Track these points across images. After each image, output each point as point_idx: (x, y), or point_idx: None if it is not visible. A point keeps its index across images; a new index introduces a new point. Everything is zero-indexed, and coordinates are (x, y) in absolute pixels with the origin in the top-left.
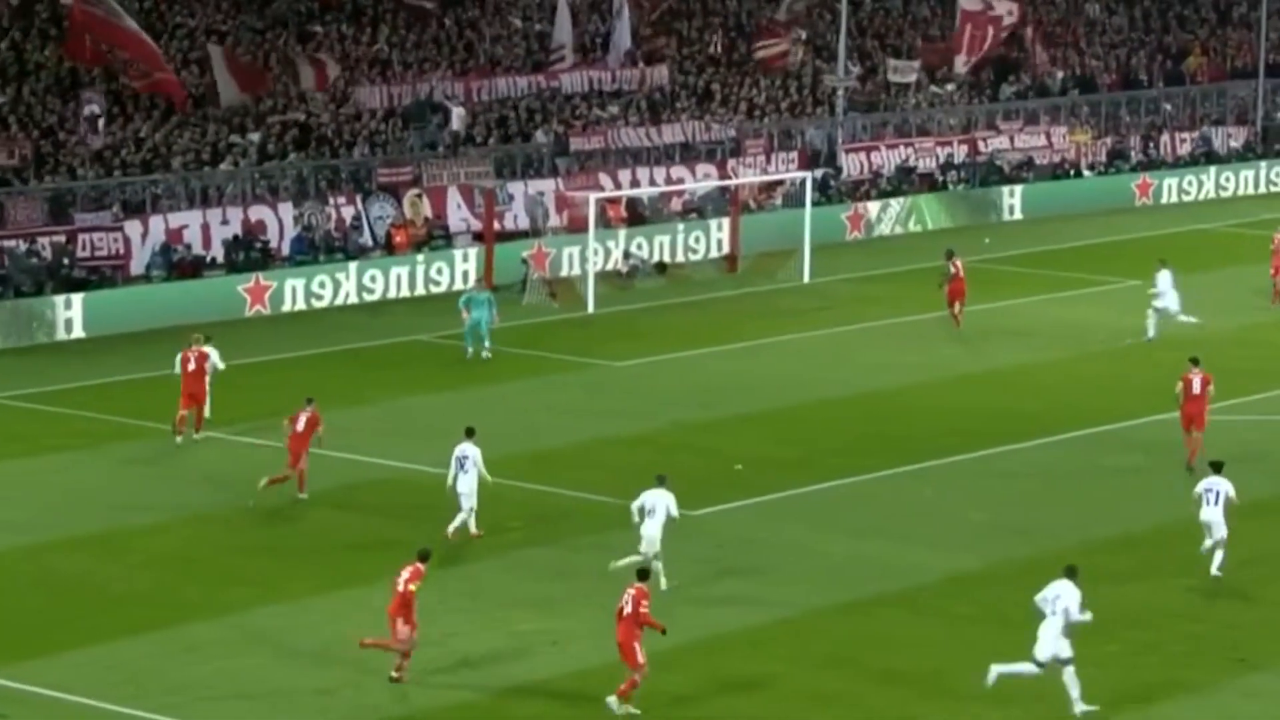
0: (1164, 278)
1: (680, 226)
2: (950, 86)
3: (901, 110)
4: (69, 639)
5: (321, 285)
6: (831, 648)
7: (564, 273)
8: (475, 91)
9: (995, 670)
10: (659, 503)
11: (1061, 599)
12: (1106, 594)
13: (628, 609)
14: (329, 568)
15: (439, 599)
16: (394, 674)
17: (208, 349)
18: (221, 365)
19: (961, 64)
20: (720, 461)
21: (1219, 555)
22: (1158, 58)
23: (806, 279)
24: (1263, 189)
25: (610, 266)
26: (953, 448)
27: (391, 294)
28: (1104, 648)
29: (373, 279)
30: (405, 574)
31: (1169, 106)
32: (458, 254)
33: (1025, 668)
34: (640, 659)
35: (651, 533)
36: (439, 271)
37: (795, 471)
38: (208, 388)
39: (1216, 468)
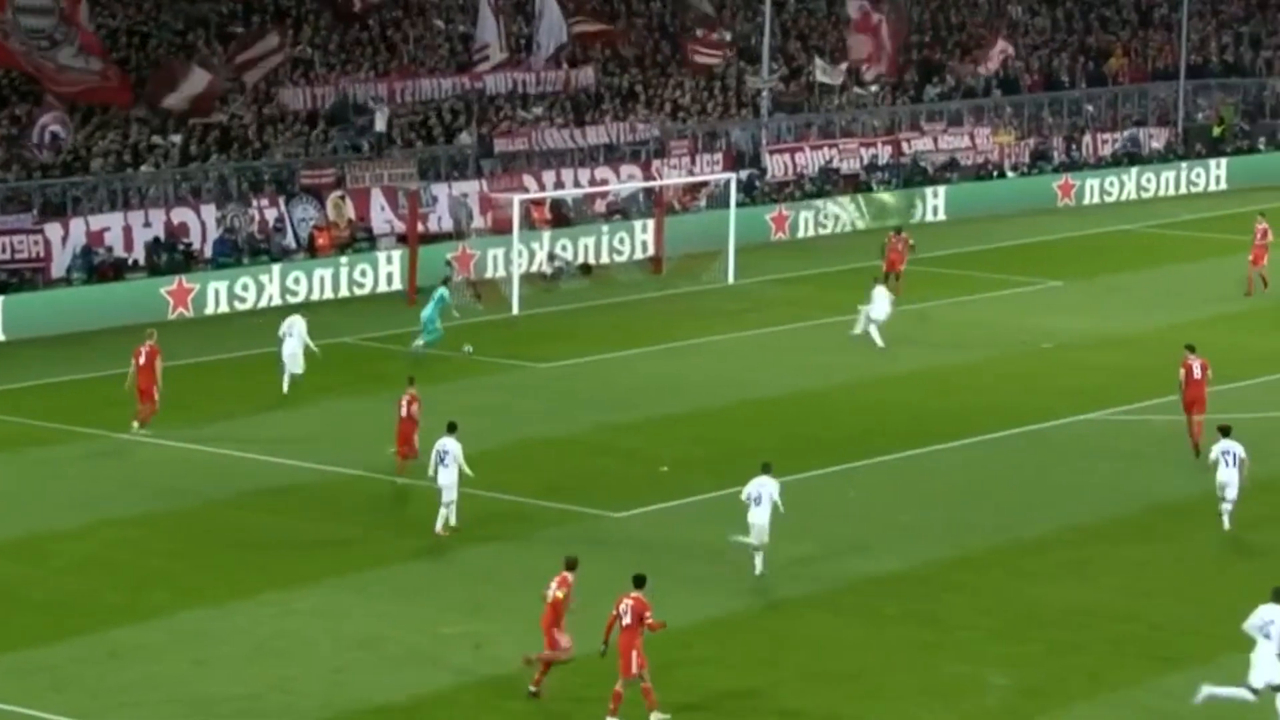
0: (880, 291)
1: (605, 228)
2: (874, 88)
3: (825, 111)
4: None
5: (244, 287)
6: (757, 649)
7: (488, 274)
8: (399, 93)
9: (1206, 691)
10: (764, 491)
11: (1275, 624)
12: (1031, 594)
13: (626, 619)
14: (253, 571)
15: (363, 600)
16: (532, 688)
17: (296, 318)
18: (313, 346)
19: (865, 70)
20: (645, 463)
21: (1227, 509)
22: (1080, 59)
23: (731, 280)
24: (1184, 189)
25: (535, 268)
26: (879, 448)
27: (315, 296)
28: (1027, 648)
29: (296, 281)
30: (553, 583)
31: (1091, 107)
32: (381, 256)
33: (1238, 692)
34: (634, 668)
35: (759, 521)
36: (362, 274)
37: (721, 473)
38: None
39: (1225, 431)
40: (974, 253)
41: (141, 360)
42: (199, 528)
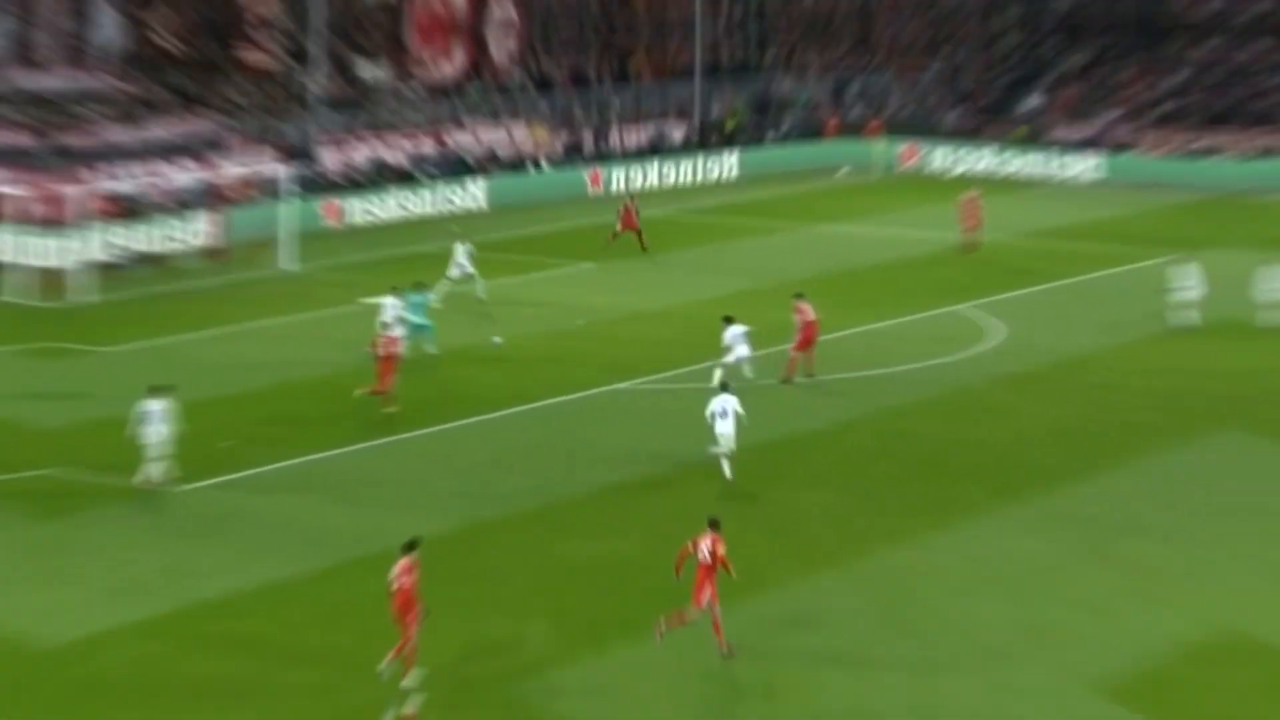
0: (463, 250)
1: (166, 220)
2: (416, 83)
3: (373, 107)
4: None
5: None
6: (315, 611)
7: (52, 264)
8: None
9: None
10: (727, 405)
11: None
12: (568, 549)
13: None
14: None
15: None
16: (723, 650)
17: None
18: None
19: (426, 63)
20: (207, 440)
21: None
22: (606, 57)
23: (286, 267)
24: (700, 178)
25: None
26: (418, 421)
27: None
28: (565, 599)
29: None
30: (705, 543)
31: (617, 102)
32: None
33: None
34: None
35: (726, 430)
36: None
37: (275, 447)
38: None
39: (729, 320)
40: (513, 238)
41: None
42: None
